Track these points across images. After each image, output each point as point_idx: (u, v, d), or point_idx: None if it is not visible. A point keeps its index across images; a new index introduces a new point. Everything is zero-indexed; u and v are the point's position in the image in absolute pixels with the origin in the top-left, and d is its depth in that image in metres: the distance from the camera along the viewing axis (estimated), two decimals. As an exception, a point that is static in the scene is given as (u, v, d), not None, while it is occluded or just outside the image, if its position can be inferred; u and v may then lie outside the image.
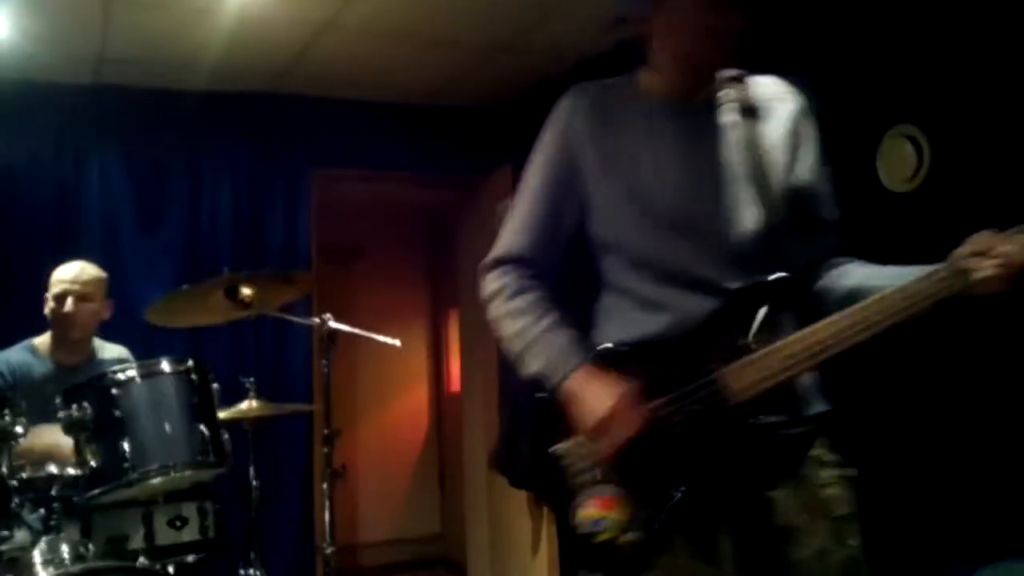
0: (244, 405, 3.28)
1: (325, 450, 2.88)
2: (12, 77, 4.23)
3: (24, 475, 2.57)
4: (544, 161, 1.85)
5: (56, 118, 4.42)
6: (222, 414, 2.99)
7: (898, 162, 3.05)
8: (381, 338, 2.91)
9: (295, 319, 3.00)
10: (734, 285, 1.68)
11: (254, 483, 3.30)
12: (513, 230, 1.84)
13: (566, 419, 1.72)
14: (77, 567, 2.46)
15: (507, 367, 4.77)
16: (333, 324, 2.92)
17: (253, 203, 4.73)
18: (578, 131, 1.80)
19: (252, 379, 3.33)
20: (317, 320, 2.94)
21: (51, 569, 2.48)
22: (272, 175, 4.77)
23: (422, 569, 6.36)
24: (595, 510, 1.69)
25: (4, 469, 2.53)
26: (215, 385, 2.90)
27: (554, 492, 1.78)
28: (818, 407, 1.73)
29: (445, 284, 6.45)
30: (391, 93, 4.86)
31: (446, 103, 5.03)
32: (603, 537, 1.67)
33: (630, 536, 1.65)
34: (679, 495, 1.65)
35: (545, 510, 4.45)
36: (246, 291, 3.05)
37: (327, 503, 2.87)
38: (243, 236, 4.66)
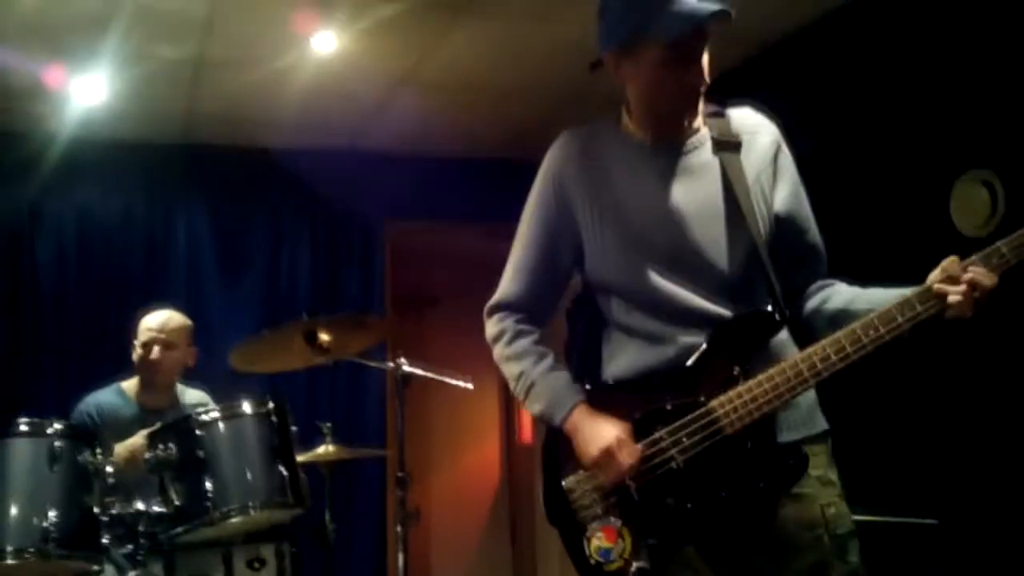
0: (320, 449, 3.36)
1: (399, 493, 2.92)
2: (108, 136, 4.48)
3: (113, 511, 2.67)
4: (537, 209, 1.93)
5: (146, 175, 4.67)
6: (299, 457, 3.07)
7: (972, 206, 3.03)
8: (453, 380, 2.98)
9: (370, 363, 3.09)
10: (726, 316, 1.75)
11: (330, 526, 3.36)
12: (509, 278, 1.95)
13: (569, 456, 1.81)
14: (163, 601, 2.55)
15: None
16: (407, 367, 2.99)
17: (330, 255, 4.89)
18: (569, 178, 1.88)
19: (328, 424, 3.42)
20: (391, 364, 3.01)
21: (139, 603, 2.57)
22: (348, 228, 4.94)
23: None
24: (603, 541, 1.76)
25: (95, 505, 2.65)
26: (293, 428, 2.99)
27: (565, 526, 1.85)
28: (817, 427, 1.79)
29: (516, 334, 6.49)
30: (463, 147, 5.01)
31: (518, 155, 5.14)
32: (612, 567, 1.74)
33: (637, 565, 1.71)
34: (679, 524, 1.72)
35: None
36: (324, 336, 3.15)
37: (400, 546, 2.91)
38: (320, 287, 4.81)
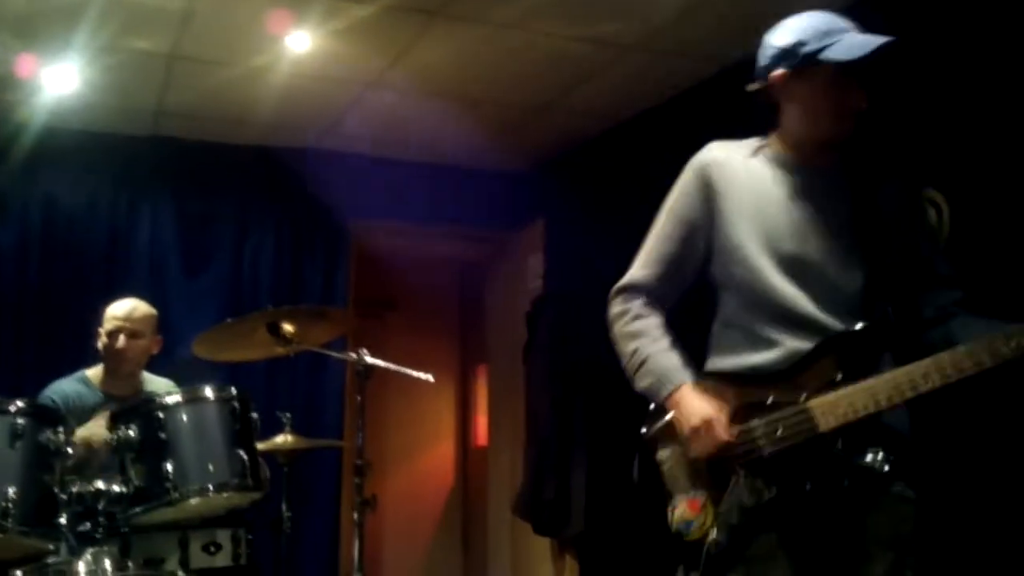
0: (279, 438, 3.42)
1: (357, 480, 2.99)
2: (77, 126, 4.51)
3: (73, 489, 2.71)
4: (678, 203, 2.09)
5: (114, 166, 4.69)
6: (259, 446, 3.13)
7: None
8: (414, 373, 3.05)
9: (332, 354, 3.15)
10: (839, 329, 1.89)
11: (286, 514, 3.42)
12: (641, 264, 2.12)
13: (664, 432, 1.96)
14: (118, 575, 2.59)
15: (533, 419, 4.90)
16: (368, 359, 3.06)
17: (294, 253, 4.95)
18: (714, 178, 2.04)
19: (288, 414, 3.48)
20: (353, 355, 3.08)
21: (95, 578, 2.60)
22: (314, 226, 5.00)
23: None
24: (686, 512, 1.90)
25: (55, 484, 2.69)
26: (254, 415, 3.05)
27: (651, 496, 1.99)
28: (904, 444, 1.89)
29: (475, 339, 6.59)
30: (431, 151, 5.09)
31: (484, 162, 5.25)
32: (692, 537, 1.89)
33: (714, 537, 1.86)
34: (761, 507, 1.85)
35: (568, 556, 4.56)
36: (287, 327, 3.21)
37: (357, 531, 2.97)
38: (283, 283, 4.87)
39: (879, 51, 1.85)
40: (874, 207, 1.95)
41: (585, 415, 4.24)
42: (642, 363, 2.01)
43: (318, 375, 4.67)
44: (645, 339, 2.03)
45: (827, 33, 1.91)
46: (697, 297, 2.12)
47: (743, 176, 2.02)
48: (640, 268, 2.11)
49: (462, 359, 6.90)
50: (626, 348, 2.06)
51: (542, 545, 4.45)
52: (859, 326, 1.87)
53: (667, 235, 2.09)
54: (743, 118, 2.11)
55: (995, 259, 2.85)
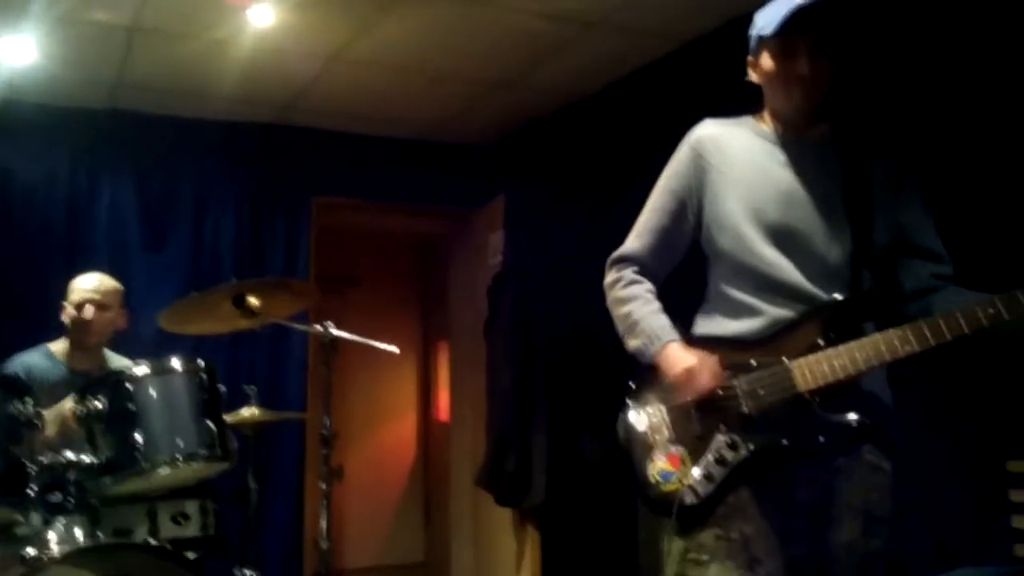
0: (245, 411, 3.45)
1: (324, 451, 3.03)
2: (34, 99, 4.46)
3: (43, 460, 2.72)
4: (671, 177, 2.17)
5: (72, 139, 4.65)
6: (225, 418, 3.16)
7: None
8: (379, 345, 3.10)
9: (299, 326, 3.18)
10: (823, 298, 1.96)
11: (252, 486, 3.46)
12: (635, 235, 2.20)
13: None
14: (89, 543, 2.62)
15: (495, 393, 4.97)
16: (334, 331, 3.10)
17: (255, 228, 4.95)
18: (705, 152, 2.12)
19: (254, 387, 3.51)
20: (319, 327, 3.12)
21: (66, 546, 2.63)
22: (275, 202, 5.00)
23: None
24: (666, 464, 2.00)
25: (23, 455, 2.70)
26: (221, 387, 3.08)
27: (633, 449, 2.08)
28: (882, 415, 1.97)
29: (436, 315, 6.64)
30: (393, 127, 5.11)
31: (445, 138, 5.28)
32: (669, 488, 1.99)
33: (688, 484, 1.96)
34: (738, 462, 1.94)
35: (529, 527, 4.66)
36: (252, 300, 3.23)
37: (324, 501, 3.02)
38: (244, 259, 4.86)
39: (790, 17, 1.93)
40: (864, 180, 2.01)
41: (546, 388, 4.32)
42: (634, 324, 2.10)
43: (281, 348, 4.70)
44: (636, 303, 2.13)
45: (769, 13, 2.00)
46: (694, 269, 2.21)
47: (734, 150, 2.10)
48: (634, 239, 2.20)
49: (424, 335, 6.95)
50: (618, 312, 2.16)
51: (504, 516, 4.53)
52: (842, 296, 1.95)
53: (660, 208, 2.17)
54: (702, 96, 2.19)
55: (979, 233, 2.94)
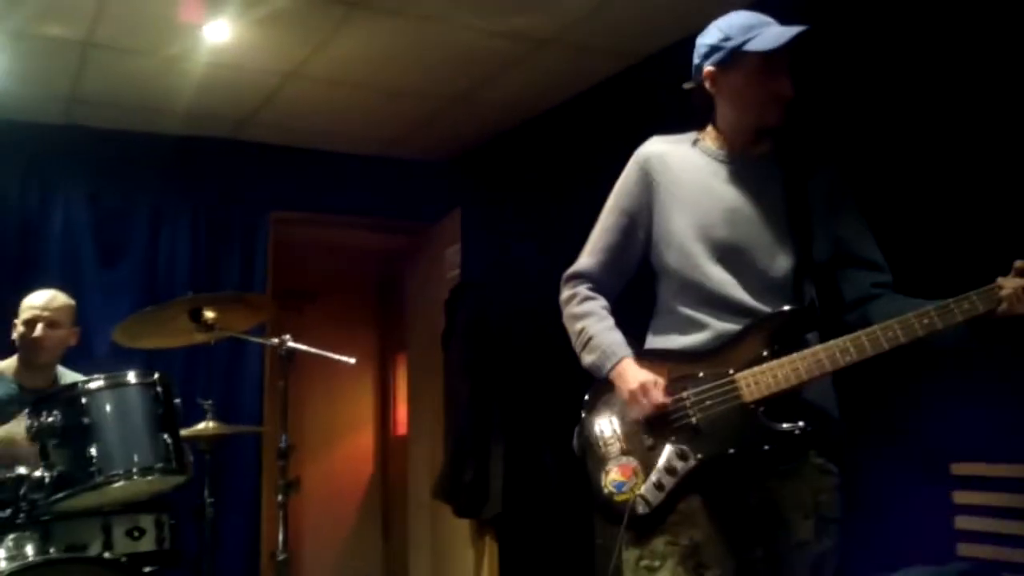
0: (201, 425, 3.44)
1: (280, 463, 3.04)
2: (-14, 113, 4.42)
3: (-7, 476, 2.70)
4: (620, 196, 2.23)
5: (24, 154, 4.61)
6: (181, 432, 3.15)
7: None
8: (336, 356, 3.11)
9: (255, 339, 3.19)
10: (767, 312, 2.02)
11: (208, 500, 3.44)
12: (587, 253, 2.26)
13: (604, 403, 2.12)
14: (40, 558, 2.60)
15: (452, 405, 4.98)
16: (291, 344, 3.11)
17: (212, 243, 4.94)
18: (652, 170, 2.17)
19: (209, 401, 3.51)
20: (275, 340, 3.12)
21: (15, 562, 2.61)
22: (231, 216, 5.00)
23: (362, 609, 6.44)
24: (618, 475, 2.05)
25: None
26: (177, 400, 3.08)
27: (588, 461, 2.14)
28: (828, 419, 2.04)
29: (394, 328, 6.65)
30: (350, 143, 5.14)
31: (402, 154, 5.31)
32: (621, 497, 2.04)
33: (640, 494, 2.02)
34: (687, 471, 2.00)
35: (487, 537, 4.67)
36: (209, 314, 3.24)
37: (281, 513, 3.02)
38: (200, 275, 4.85)
39: (796, 39, 1.98)
40: (804, 195, 2.07)
41: (502, 400, 4.36)
42: (588, 340, 2.16)
43: (237, 362, 4.70)
44: (591, 319, 2.18)
45: (750, 28, 2.04)
46: (646, 286, 2.27)
47: (680, 167, 2.15)
48: (586, 256, 2.25)
49: (381, 348, 6.96)
50: (573, 328, 2.21)
51: (462, 528, 4.56)
52: (786, 308, 2.01)
53: (611, 226, 2.22)
54: (654, 113, 2.25)
55: (920, 242, 3.02)
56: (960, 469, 2.99)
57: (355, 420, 6.89)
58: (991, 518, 2.88)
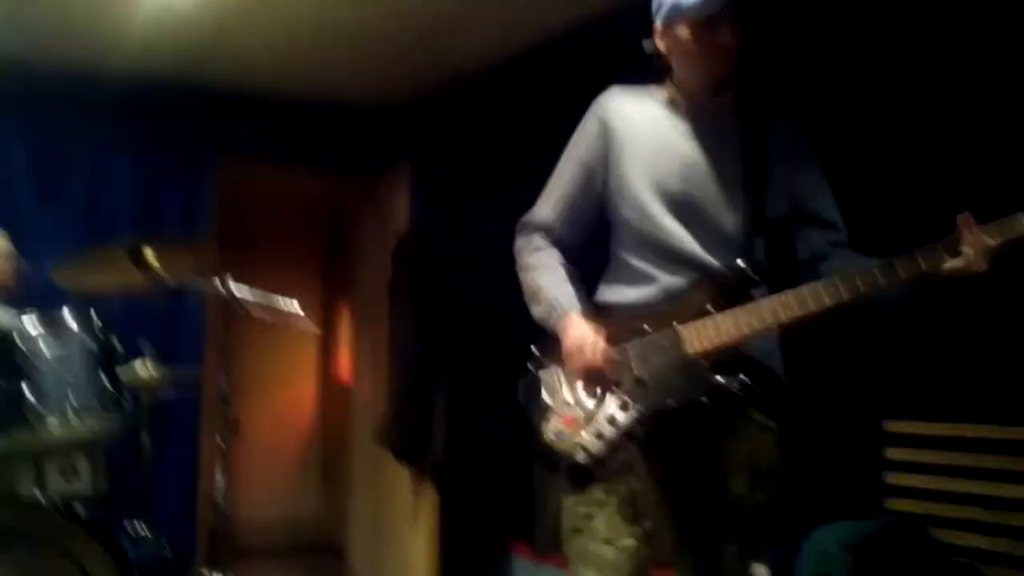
0: (139, 366, 3.38)
1: (223, 407, 3.00)
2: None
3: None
4: (578, 145, 2.20)
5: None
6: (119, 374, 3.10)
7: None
8: (281, 301, 3.07)
9: (198, 284, 3.11)
10: (716, 267, 2.02)
11: (146, 442, 3.40)
12: (544, 201, 2.24)
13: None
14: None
15: (398, 353, 4.97)
16: (234, 289, 3.06)
17: (154, 187, 4.84)
18: (611, 120, 2.15)
19: (149, 343, 3.45)
20: (219, 284, 3.07)
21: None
22: (176, 161, 4.89)
23: (300, 553, 6.44)
24: (561, 425, 2.07)
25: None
26: (116, 342, 3.02)
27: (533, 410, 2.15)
28: (770, 376, 2.04)
29: (338, 277, 6.59)
30: (300, 88, 5.02)
31: (352, 101, 5.22)
32: (563, 447, 2.05)
33: (583, 450, 2.02)
34: (629, 422, 2.00)
35: (428, 484, 4.71)
36: (151, 257, 3.16)
37: (222, 458, 2.99)
38: (142, 216, 4.75)
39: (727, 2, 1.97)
40: (762, 148, 2.06)
41: (449, 348, 4.36)
42: (537, 292, 2.16)
43: (177, 305, 4.61)
44: (540, 271, 2.18)
45: None
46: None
47: (639, 119, 2.13)
48: (542, 206, 2.24)
49: (325, 297, 6.91)
50: (524, 278, 2.21)
51: (402, 474, 4.57)
52: (734, 264, 2.00)
53: (567, 176, 2.21)
54: (616, 67, 2.22)
55: (883, 200, 2.97)
56: (894, 427, 3.08)
57: (296, 365, 6.86)
58: (920, 475, 2.98)
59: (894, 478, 3.06)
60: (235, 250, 6.00)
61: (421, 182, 4.90)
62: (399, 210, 4.97)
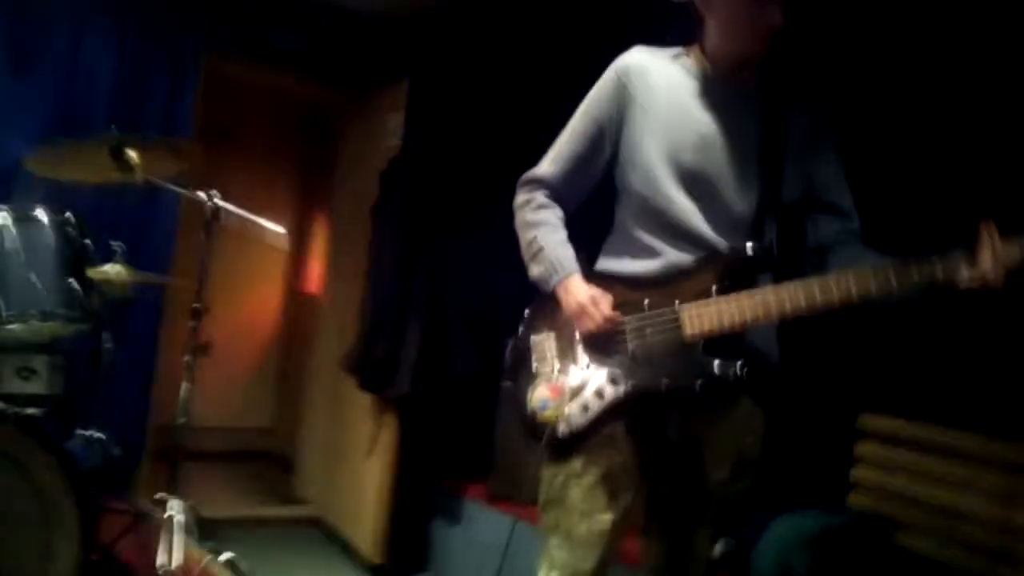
0: (110, 268, 3.25)
1: (193, 323, 2.90)
2: None
3: None
4: (593, 104, 2.10)
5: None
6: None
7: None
8: (267, 224, 2.96)
9: (183, 191, 2.98)
10: (722, 247, 1.94)
11: (107, 346, 3.29)
12: (551, 159, 2.14)
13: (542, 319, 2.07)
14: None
15: (374, 278, 4.85)
16: (219, 202, 2.93)
17: (137, 78, 4.58)
18: (630, 87, 2.05)
19: (121, 244, 3.30)
20: (205, 196, 2.94)
21: None
22: (160, 52, 4.64)
23: (249, 459, 6.41)
24: (546, 393, 2.02)
25: None
26: (88, 242, 2.89)
27: (519, 377, 2.09)
28: (766, 368, 1.99)
29: (317, 185, 6.44)
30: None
31: (352, 7, 5.00)
32: (545, 416, 2.01)
33: (565, 422, 1.98)
34: (616, 397, 1.96)
35: (388, 415, 4.64)
36: (133, 155, 3.01)
37: (187, 376, 2.91)
38: (123, 102, 4.51)
39: None
40: (782, 130, 1.99)
41: (428, 282, 4.26)
42: (539, 251, 2.08)
43: (149, 206, 4.43)
44: (544, 228, 2.10)
45: None
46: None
47: (660, 84, 2.04)
48: (549, 163, 2.15)
49: (300, 203, 6.76)
50: (525, 236, 2.13)
51: (362, 401, 4.51)
52: (742, 246, 1.93)
53: (579, 133, 2.12)
54: (640, 10, 2.10)
55: (900, 194, 2.94)
56: (867, 422, 3.07)
57: (263, 272, 6.72)
58: (887, 472, 2.98)
59: (859, 473, 3.07)
60: (213, 143, 5.85)
61: (419, 103, 4.70)
62: (392, 131, 4.78)
